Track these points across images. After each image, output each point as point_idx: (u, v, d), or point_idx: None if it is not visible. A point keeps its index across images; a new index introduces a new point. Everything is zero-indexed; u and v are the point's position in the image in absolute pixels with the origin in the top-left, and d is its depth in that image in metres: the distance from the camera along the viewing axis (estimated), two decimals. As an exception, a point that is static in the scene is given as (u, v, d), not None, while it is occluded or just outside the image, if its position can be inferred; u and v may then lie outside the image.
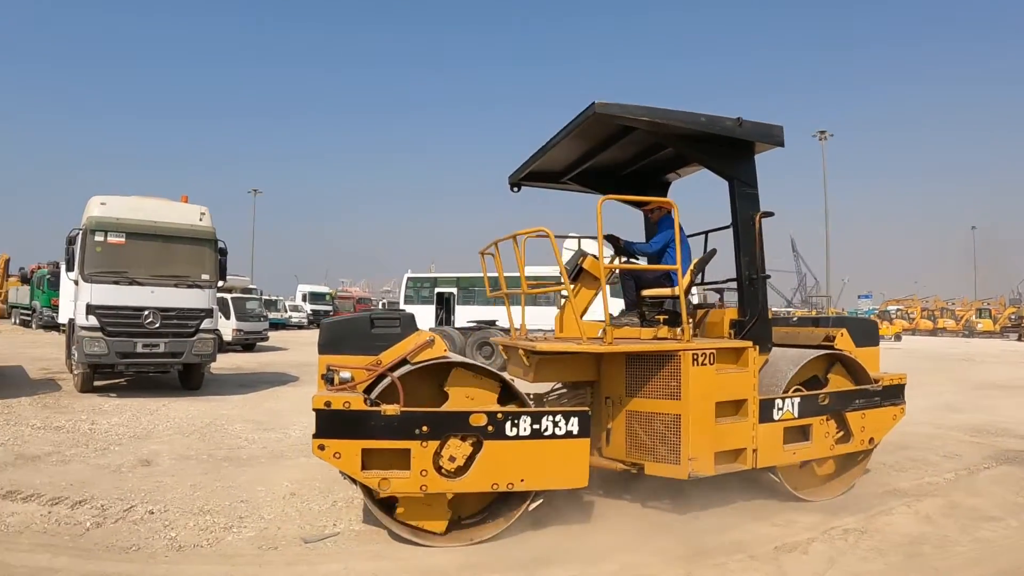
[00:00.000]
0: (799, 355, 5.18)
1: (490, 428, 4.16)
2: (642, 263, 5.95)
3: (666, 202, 5.19)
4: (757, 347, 4.90)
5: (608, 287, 5.12)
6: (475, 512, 4.55)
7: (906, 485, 5.75)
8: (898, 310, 46.66)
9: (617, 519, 4.78)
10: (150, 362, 10.53)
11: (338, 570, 3.90)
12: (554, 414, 4.28)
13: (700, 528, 4.62)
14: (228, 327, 20.40)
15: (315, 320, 42.62)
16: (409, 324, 4.52)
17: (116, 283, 10.13)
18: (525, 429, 4.21)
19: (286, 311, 39.80)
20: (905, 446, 7.24)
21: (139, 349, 10.22)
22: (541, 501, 4.42)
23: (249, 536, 4.40)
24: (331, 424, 4.02)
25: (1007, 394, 12.51)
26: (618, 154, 5.84)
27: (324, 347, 4.51)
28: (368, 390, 4.28)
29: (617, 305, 5.94)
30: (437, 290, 21.76)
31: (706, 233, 5.96)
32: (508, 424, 4.19)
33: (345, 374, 4.28)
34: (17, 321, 31.28)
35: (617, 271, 5.70)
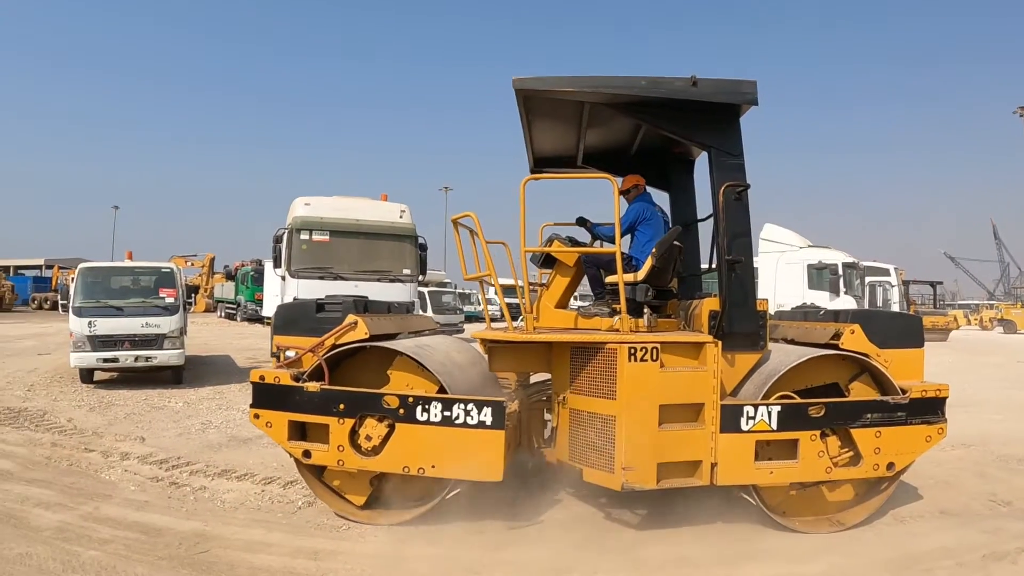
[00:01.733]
0: (794, 355, 4.31)
1: (402, 411, 4.17)
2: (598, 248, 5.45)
3: (603, 176, 4.60)
4: (722, 343, 4.18)
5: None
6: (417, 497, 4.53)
7: None
8: None
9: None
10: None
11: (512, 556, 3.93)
12: (466, 403, 4.11)
13: (901, 532, 4.42)
14: (426, 320, 21.61)
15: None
16: (349, 309, 4.67)
17: (321, 278, 10.42)
18: (436, 415, 4.14)
19: (479, 304, 41.87)
20: None
21: None
22: (459, 491, 4.27)
23: (459, 523, 4.41)
24: (264, 396, 4.40)
25: None
26: (614, 133, 5.41)
27: (277, 328, 4.82)
28: (317, 372, 4.47)
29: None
30: None
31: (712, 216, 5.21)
32: (419, 408, 4.15)
33: (290, 352, 4.62)
34: (223, 315, 33.98)
35: (582, 258, 5.19)
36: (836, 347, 4.35)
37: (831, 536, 4.28)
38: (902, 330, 4.55)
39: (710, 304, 4.45)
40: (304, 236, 10.78)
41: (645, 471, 3.98)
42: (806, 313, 5.39)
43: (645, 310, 4.57)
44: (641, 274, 4.60)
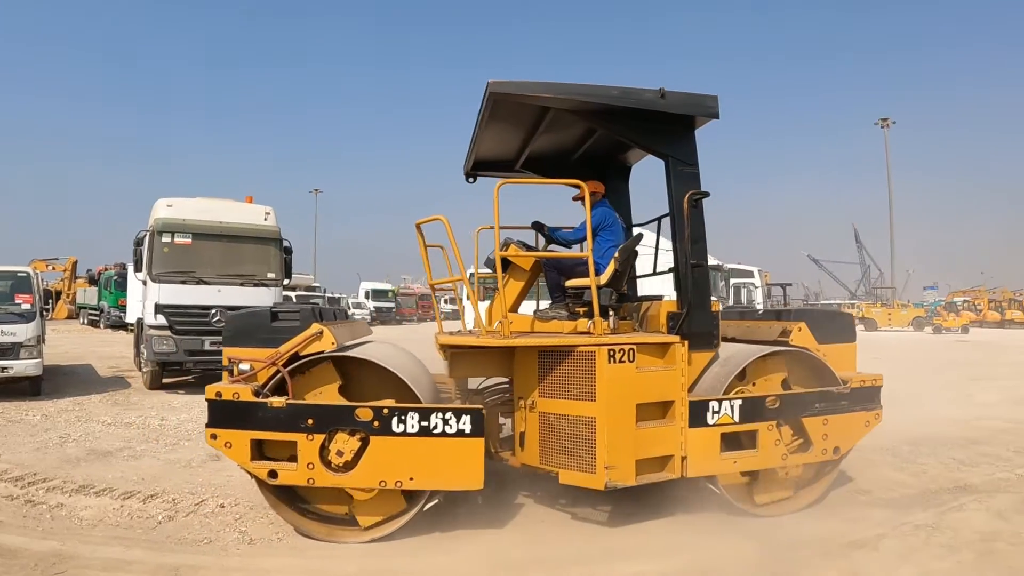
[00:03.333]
0: (747, 352, 4.61)
1: (376, 424, 4.00)
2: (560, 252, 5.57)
3: (574, 183, 4.74)
4: (687, 342, 4.40)
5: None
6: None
7: (977, 480, 5.56)
8: (965, 301, 42.83)
9: (694, 514, 4.59)
10: (218, 359, 10.70)
11: (407, 564, 3.90)
12: (444, 411, 4.03)
13: (768, 524, 4.48)
14: (292, 325, 20.82)
15: (378, 317, 43.08)
16: (308, 317, 4.40)
17: (183, 283, 10.33)
18: (413, 426, 4.01)
19: (349, 308, 40.82)
20: (976, 441, 7.06)
21: (207, 347, 10.31)
22: (437, 501, 4.18)
23: None
24: (222, 414, 4.04)
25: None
26: (559, 138, 5.48)
27: (228, 340, 4.47)
28: (266, 383, 4.20)
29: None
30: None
31: (659, 220, 5.48)
32: (395, 420, 4.01)
33: (244, 366, 4.29)
34: (85, 321, 32.11)
35: (541, 262, 5.28)
36: (786, 343, 4.70)
37: (694, 530, 4.36)
38: (838, 327, 5.00)
39: (668, 306, 4.67)
40: (166, 239, 10.43)
41: (625, 469, 4.10)
42: (742, 313, 5.77)
43: (610, 313, 4.71)
44: (604, 278, 4.73)
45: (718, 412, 4.33)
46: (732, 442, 4.43)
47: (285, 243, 11.31)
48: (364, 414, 4.00)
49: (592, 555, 4.00)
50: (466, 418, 4.01)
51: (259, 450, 4.13)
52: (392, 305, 45.17)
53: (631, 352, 4.16)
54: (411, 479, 4.01)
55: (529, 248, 5.42)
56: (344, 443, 4.02)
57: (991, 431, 7.58)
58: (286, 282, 11.50)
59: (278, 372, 4.18)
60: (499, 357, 4.62)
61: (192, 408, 9.09)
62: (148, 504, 4.85)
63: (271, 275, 11.04)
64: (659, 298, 5.01)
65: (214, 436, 4.04)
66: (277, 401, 4.02)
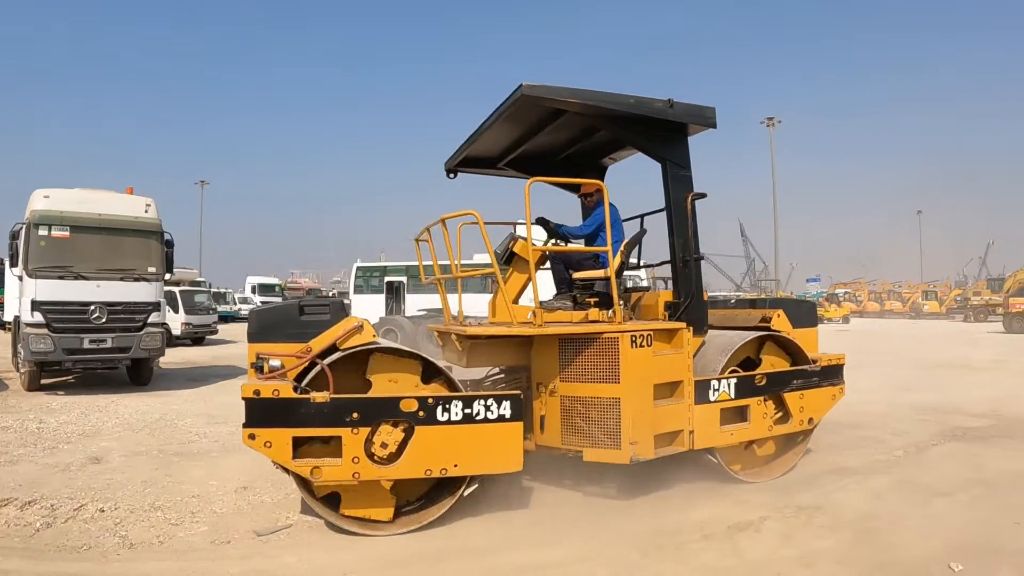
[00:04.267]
0: (736, 336, 5.19)
1: (421, 413, 4.12)
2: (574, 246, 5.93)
3: (595, 183, 5.16)
4: (691, 329, 4.91)
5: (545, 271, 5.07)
6: (415, 499, 4.51)
7: (857, 463, 5.84)
8: (846, 293, 47.26)
9: (565, 505, 4.75)
10: (97, 358, 10.41)
11: (293, 562, 3.85)
12: (486, 398, 4.25)
13: (654, 510, 4.61)
14: (176, 321, 20.12)
15: None
16: (338, 311, 4.47)
17: (61, 278, 10.00)
18: (457, 414, 4.18)
19: (235, 303, 39.56)
20: (856, 425, 7.38)
21: (86, 345, 10.07)
22: (476, 486, 4.39)
23: (202, 531, 4.34)
24: (261, 413, 3.97)
25: (955, 373, 12.81)
26: (552, 138, 5.80)
27: (254, 336, 4.44)
28: (299, 378, 4.19)
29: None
30: (387, 279, 21.40)
31: (641, 216, 5.95)
32: (439, 409, 4.16)
33: (275, 362, 4.23)
34: None
35: (548, 255, 5.63)
36: (768, 328, 5.33)
37: (578, 516, 4.48)
38: (804, 314, 5.72)
39: (664, 296, 5.18)
40: (43, 232, 10.05)
41: (646, 444, 4.53)
42: (714, 302, 6.39)
43: (620, 302, 5.13)
44: (611, 270, 5.15)
45: (718, 390, 4.88)
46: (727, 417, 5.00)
47: (167, 236, 11.05)
48: (408, 405, 4.11)
49: (479, 547, 4.03)
50: (506, 403, 4.25)
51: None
52: (280, 300, 44.82)
53: (649, 337, 4.60)
54: (455, 466, 4.18)
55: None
56: (388, 435, 4.11)
57: (871, 415, 7.94)
58: (168, 276, 11.32)
59: (311, 366, 4.18)
60: (517, 346, 4.91)
61: (72, 410, 8.76)
62: (26, 511, 4.70)
63: (152, 269, 10.79)
64: (646, 289, 5.50)
65: (252, 436, 3.95)
66: (320, 396, 4.00)
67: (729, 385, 4.92)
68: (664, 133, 5.04)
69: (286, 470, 4.14)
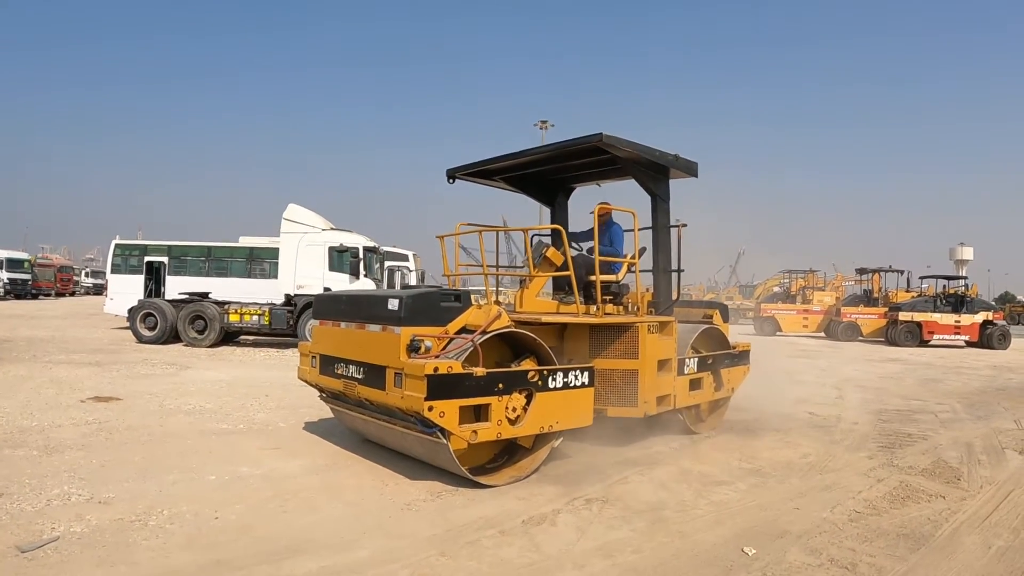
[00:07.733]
0: (693, 328, 7.16)
1: (540, 382, 5.24)
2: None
3: (628, 211, 6.76)
4: (676, 320, 6.74)
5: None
6: (486, 460, 5.46)
7: (636, 455, 6.15)
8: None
9: (359, 503, 4.65)
10: None
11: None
12: (575, 370, 5.53)
13: (444, 506, 4.61)
14: None
15: (12, 290, 38.28)
16: (466, 300, 5.47)
17: None
18: (559, 382, 5.39)
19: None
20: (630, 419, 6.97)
21: None
22: (561, 439, 5.56)
23: None
24: (439, 388, 4.64)
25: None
26: (557, 164, 7.24)
27: (406, 320, 5.08)
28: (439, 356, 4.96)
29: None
30: (147, 259, 19.88)
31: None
32: (550, 378, 5.34)
33: (428, 343, 4.96)
34: None
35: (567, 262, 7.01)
36: (711, 322, 7.39)
37: (372, 520, 4.27)
38: (726, 313, 7.91)
39: (647, 296, 6.95)
40: None
41: (652, 404, 6.22)
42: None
43: (626, 300, 6.74)
44: (621, 275, 6.76)
45: (688, 366, 6.76)
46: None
47: None
48: (533, 376, 5.20)
49: (270, 552, 3.72)
50: (585, 374, 5.61)
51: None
52: (29, 276, 40.72)
53: (657, 326, 6.31)
54: (556, 423, 5.38)
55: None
56: (516, 400, 5.10)
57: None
58: None
59: (470, 345, 4.90)
60: (554, 331, 6.28)
61: None
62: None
63: None
64: (627, 289, 7.22)
65: (431, 408, 4.56)
66: (480, 371, 4.84)
67: (694, 362, 6.84)
68: (660, 175, 6.78)
69: (442, 431, 4.69)
